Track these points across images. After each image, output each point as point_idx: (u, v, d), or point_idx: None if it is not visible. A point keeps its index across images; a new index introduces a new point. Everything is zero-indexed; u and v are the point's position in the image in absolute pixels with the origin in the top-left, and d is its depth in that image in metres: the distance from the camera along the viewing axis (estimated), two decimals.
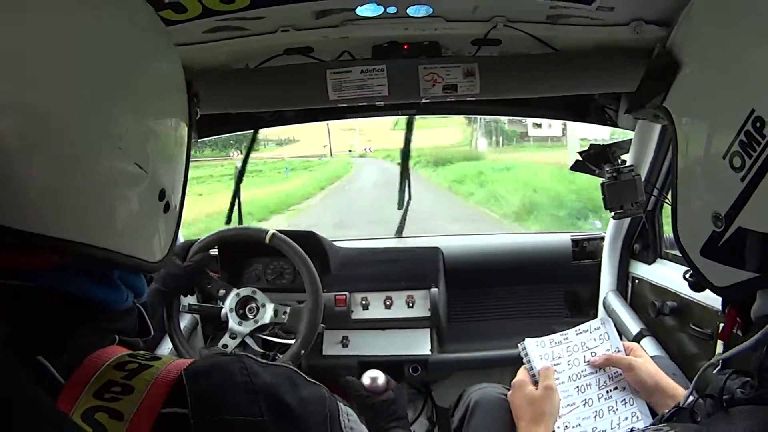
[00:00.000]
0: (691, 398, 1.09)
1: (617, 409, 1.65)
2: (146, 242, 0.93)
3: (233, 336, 2.28)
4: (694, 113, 1.00)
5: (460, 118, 17.94)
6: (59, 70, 0.75)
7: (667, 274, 2.39)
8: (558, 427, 1.62)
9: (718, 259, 0.93)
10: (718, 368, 1.02)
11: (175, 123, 1.02)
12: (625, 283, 2.73)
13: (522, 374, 1.74)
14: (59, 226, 0.76)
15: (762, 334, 0.86)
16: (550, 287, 3.13)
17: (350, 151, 25.16)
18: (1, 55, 0.70)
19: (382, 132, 20.95)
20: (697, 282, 1.04)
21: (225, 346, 2.27)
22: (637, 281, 2.65)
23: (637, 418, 1.63)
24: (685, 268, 1.09)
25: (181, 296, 2.38)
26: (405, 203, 3.42)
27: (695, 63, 1.03)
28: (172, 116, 1.02)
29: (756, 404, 0.85)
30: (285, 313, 2.33)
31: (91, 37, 0.81)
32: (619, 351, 1.75)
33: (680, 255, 1.06)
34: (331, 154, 25.00)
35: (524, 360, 1.77)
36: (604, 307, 2.73)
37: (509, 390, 1.75)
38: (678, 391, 1.59)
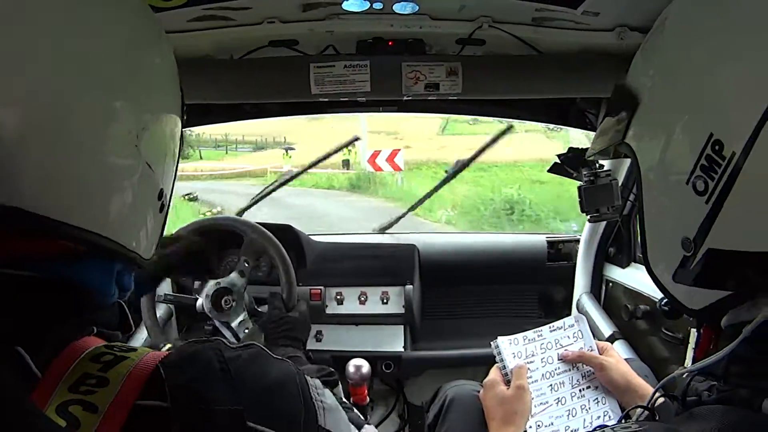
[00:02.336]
0: (660, 399, 1.10)
1: (590, 408, 1.67)
2: (144, 238, 0.95)
3: (212, 330, 2.27)
4: (655, 144, 1.01)
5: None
6: (86, 72, 0.78)
7: (640, 278, 2.41)
8: (530, 426, 1.63)
9: (691, 283, 0.94)
10: (684, 373, 1.03)
11: (174, 120, 1.03)
12: (599, 285, 2.76)
13: (494, 373, 1.74)
14: (79, 216, 0.78)
15: (734, 345, 0.87)
16: (524, 288, 3.15)
17: (346, 163, 16.79)
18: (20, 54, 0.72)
19: (425, 136, 19.61)
20: (672, 309, 1.05)
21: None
22: (610, 284, 2.68)
23: (609, 417, 1.65)
24: None
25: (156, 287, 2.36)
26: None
27: (655, 89, 1.05)
28: (173, 113, 1.03)
29: (722, 404, 0.87)
30: (246, 261, 2.34)
31: (104, 38, 0.83)
32: (592, 349, 1.77)
33: None
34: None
35: (497, 358, 1.77)
36: (578, 309, 2.75)
37: None
38: (649, 391, 1.60)
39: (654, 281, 1.05)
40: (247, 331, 2.23)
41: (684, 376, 1.01)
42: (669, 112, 0.97)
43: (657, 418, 1.02)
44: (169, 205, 1.05)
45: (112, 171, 0.82)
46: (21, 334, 0.76)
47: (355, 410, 1.34)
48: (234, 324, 2.23)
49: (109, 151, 0.81)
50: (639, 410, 1.42)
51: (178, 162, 1.08)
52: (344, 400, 1.44)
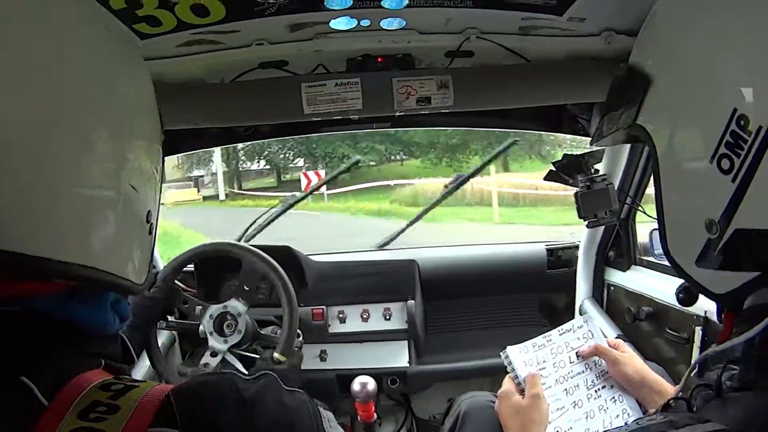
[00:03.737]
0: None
1: (607, 408, 1.65)
2: (134, 264, 0.94)
3: (214, 354, 2.26)
4: (672, 125, 0.99)
5: None
6: (66, 104, 0.78)
7: (642, 281, 2.42)
8: None
9: (715, 266, 0.91)
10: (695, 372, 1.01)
11: (155, 143, 1.04)
12: (600, 290, 2.75)
13: (507, 384, 1.71)
14: (64, 250, 0.77)
15: (761, 328, 0.85)
16: (525, 296, 3.15)
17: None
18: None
19: None
20: (687, 297, 1.03)
21: (206, 365, 2.25)
22: (612, 288, 2.67)
23: (628, 414, 1.63)
24: (663, 276, 1.08)
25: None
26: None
27: (665, 73, 1.03)
28: (152, 136, 1.03)
29: (745, 390, 0.85)
30: (245, 286, 2.34)
31: (82, 66, 0.83)
32: None
33: (655, 261, 1.06)
34: None
35: (508, 368, 1.75)
36: (581, 314, 2.73)
37: None
38: (664, 386, 1.59)
39: (674, 268, 1.03)
40: (251, 354, 2.23)
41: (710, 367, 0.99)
42: (685, 89, 0.95)
43: (695, 408, 0.99)
44: (156, 227, 1.05)
45: (94, 199, 0.82)
46: (24, 364, 0.75)
47: None
48: (236, 347, 2.23)
49: (89, 179, 0.81)
50: (658, 404, 1.42)
51: (161, 184, 1.08)
52: None
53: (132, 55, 1.04)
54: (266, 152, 27.68)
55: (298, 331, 2.29)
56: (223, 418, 0.80)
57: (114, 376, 0.86)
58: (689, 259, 0.96)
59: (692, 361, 1.65)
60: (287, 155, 28.27)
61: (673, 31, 1.02)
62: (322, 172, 20.94)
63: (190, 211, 21.27)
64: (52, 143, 0.76)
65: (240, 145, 23.98)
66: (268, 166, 29.96)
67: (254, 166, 30.01)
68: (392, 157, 26.90)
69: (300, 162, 27.83)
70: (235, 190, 26.85)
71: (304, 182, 19.03)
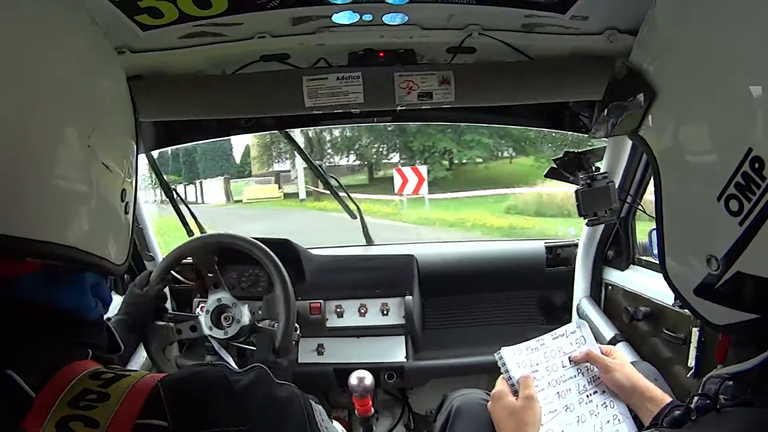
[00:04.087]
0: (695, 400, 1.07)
1: (598, 413, 1.65)
2: (113, 243, 0.95)
3: (211, 346, 2.25)
4: (678, 148, 0.96)
5: None
6: (40, 94, 0.79)
7: (640, 280, 2.41)
8: None
9: (714, 300, 0.89)
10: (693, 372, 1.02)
11: (129, 127, 1.05)
12: (598, 289, 2.75)
13: (501, 384, 1.71)
14: (40, 229, 0.77)
15: (760, 361, 0.84)
16: (524, 294, 3.15)
17: None
18: None
19: None
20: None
21: (203, 357, 2.25)
22: (610, 287, 2.67)
23: (619, 420, 1.63)
24: (661, 276, 1.07)
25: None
26: (358, 213, 3.38)
27: (669, 84, 0.99)
28: (127, 120, 1.05)
29: (742, 406, 0.85)
30: (260, 308, 2.32)
31: (46, 50, 0.82)
32: None
33: (653, 261, 1.05)
34: None
35: (502, 369, 1.75)
36: (578, 313, 2.75)
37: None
38: (655, 393, 1.59)
39: (672, 289, 1.02)
40: (247, 346, 2.22)
41: (708, 380, 0.98)
42: (695, 114, 0.91)
43: (694, 417, 0.98)
44: (134, 208, 1.06)
45: (67, 179, 0.82)
46: (8, 355, 0.76)
47: None
48: (234, 339, 2.23)
49: (61, 162, 0.81)
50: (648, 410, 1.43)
51: (136, 165, 1.09)
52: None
53: (104, 47, 1.04)
54: (357, 146, 24.72)
55: (295, 324, 2.29)
56: (211, 410, 0.81)
57: (104, 365, 0.86)
58: (688, 287, 0.95)
59: (688, 362, 1.65)
60: (380, 149, 25.06)
61: (673, 33, 1.00)
62: (422, 169, 16.94)
63: (258, 212, 19.76)
64: (28, 130, 0.77)
65: (327, 137, 23.34)
66: (358, 162, 25.66)
67: (343, 161, 25.58)
68: (500, 153, 23.31)
69: (395, 157, 24.09)
70: (320, 189, 21.22)
71: (398, 180, 16.22)
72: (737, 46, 0.83)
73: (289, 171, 26.07)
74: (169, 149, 2.84)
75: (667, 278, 1.03)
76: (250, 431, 0.81)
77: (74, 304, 0.88)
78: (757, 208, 0.77)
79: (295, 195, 23.62)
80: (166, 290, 2.38)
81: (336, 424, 1.03)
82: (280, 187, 25.42)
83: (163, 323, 2.24)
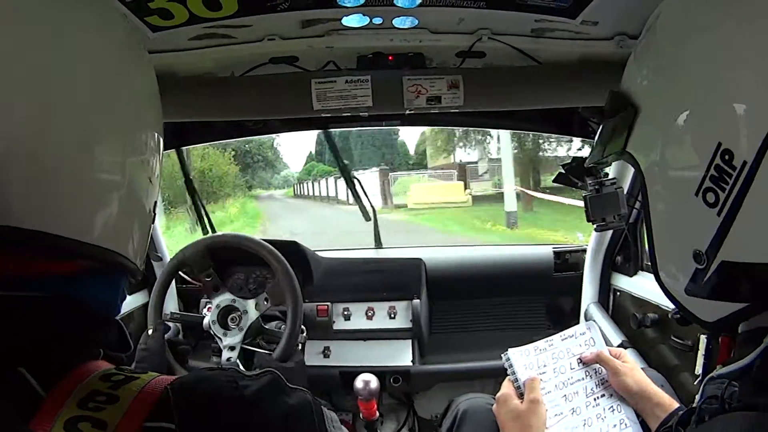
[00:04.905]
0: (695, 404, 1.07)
1: (605, 417, 1.64)
2: (136, 244, 0.95)
3: (217, 347, 2.26)
4: (658, 154, 0.99)
5: None
6: (67, 91, 0.78)
7: (648, 287, 2.40)
8: None
9: (703, 296, 0.91)
10: (700, 379, 1.02)
11: (152, 129, 1.04)
12: (606, 295, 2.74)
13: (506, 387, 1.70)
14: (92, 233, 0.80)
15: (759, 351, 0.86)
16: (531, 299, 3.14)
17: None
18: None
19: None
20: (683, 319, 1.03)
21: (210, 359, 2.25)
22: (618, 293, 2.66)
23: (626, 425, 1.62)
24: None
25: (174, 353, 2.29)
26: (373, 215, 3.39)
27: (654, 92, 1.03)
28: (149, 122, 1.03)
29: (746, 410, 0.85)
30: (266, 300, 2.31)
31: (59, 42, 0.81)
32: None
33: None
34: None
35: (508, 371, 1.74)
36: (586, 319, 2.74)
37: None
38: (664, 398, 1.59)
39: (665, 293, 1.03)
40: (255, 348, 2.23)
41: (712, 383, 0.99)
42: (670, 121, 0.94)
43: (706, 418, 0.98)
44: (153, 213, 1.06)
45: (123, 186, 0.84)
46: (22, 354, 0.75)
47: None
48: (240, 342, 2.23)
49: (97, 165, 0.82)
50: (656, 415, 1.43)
51: (160, 175, 1.09)
52: None
53: (139, 48, 1.04)
54: None
55: (302, 326, 2.29)
56: (220, 415, 0.80)
57: (115, 366, 0.86)
58: (679, 287, 0.97)
59: (696, 370, 1.64)
60: None
61: (666, 45, 1.02)
62: None
63: (439, 237, 14.10)
64: (63, 132, 0.77)
65: None
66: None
67: (561, 153, 17.39)
68: None
69: None
70: (531, 191, 15.74)
71: None
72: (730, 61, 0.85)
73: (476, 162, 19.20)
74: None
75: (659, 282, 1.05)
76: None
77: (104, 303, 0.90)
78: (731, 197, 0.81)
79: (487, 199, 16.90)
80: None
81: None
82: (467, 187, 18.78)
83: (170, 322, 2.24)
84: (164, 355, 2.08)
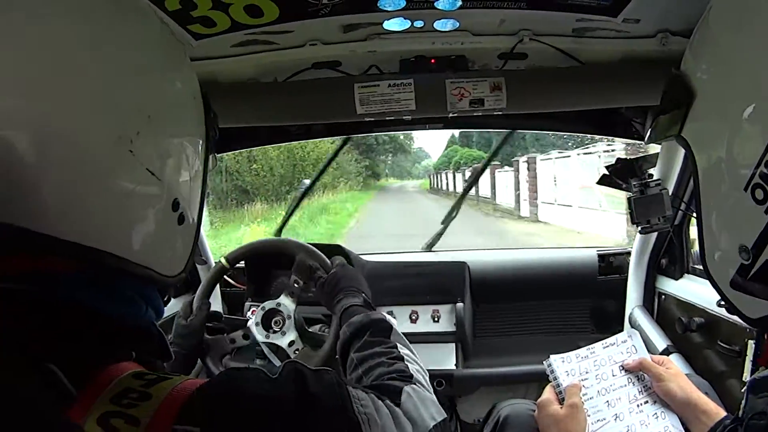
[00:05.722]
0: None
1: (649, 424, 1.62)
2: (159, 253, 0.94)
3: (261, 350, 2.27)
4: (711, 143, 0.98)
5: None
6: (64, 79, 0.77)
7: (694, 290, 2.36)
8: None
9: (748, 291, 0.90)
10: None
11: (190, 136, 1.04)
12: (651, 298, 2.70)
13: (548, 392, 1.71)
14: (70, 230, 0.78)
15: None
16: (575, 302, 3.11)
17: None
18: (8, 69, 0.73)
19: None
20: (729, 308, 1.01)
21: (254, 361, 2.27)
22: (663, 297, 2.62)
23: None
24: None
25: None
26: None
27: (712, 84, 1.01)
28: (187, 128, 1.04)
29: None
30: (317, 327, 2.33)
31: (97, 45, 0.83)
32: None
33: None
34: None
35: (550, 377, 1.74)
36: (630, 323, 2.71)
37: None
38: (710, 406, 1.56)
39: (713, 286, 1.02)
40: (297, 352, 2.23)
41: (753, 387, 0.97)
42: (723, 111, 0.94)
43: None
44: (198, 221, 1.07)
45: (100, 178, 0.81)
46: (51, 350, 0.77)
47: (402, 361, 1.32)
48: (284, 345, 2.24)
49: (96, 160, 0.81)
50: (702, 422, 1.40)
51: (205, 179, 1.10)
52: (400, 346, 1.43)
53: (179, 55, 1.06)
54: None
55: None
56: (245, 417, 0.82)
57: (147, 367, 0.88)
58: (725, 280, 0.96)
59: (743, 376, 1.61)
60: None
61: (724, 37, 1.01)
62: None
63: None
64: (98, 137, 0.80)
65: None
66: None
67: None
68: None
69: None
70: None
71: None
72: None
73: None
74: None
75: (707, 273, 1.04)
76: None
77: (115, 310, 0.88)
78: None
79: None
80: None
81: (378, 403, 1.02)
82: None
83: (217, 336, 2.26)
84: (202, 337, 2.12)
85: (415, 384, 1.20)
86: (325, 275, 1.94)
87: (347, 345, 1.48)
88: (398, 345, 1.39)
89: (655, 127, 1.23)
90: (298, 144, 20.59)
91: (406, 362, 1.30)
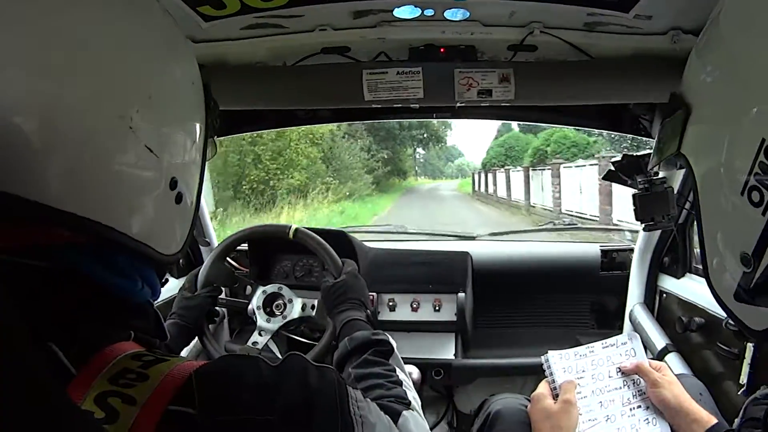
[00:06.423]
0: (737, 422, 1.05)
1: (639, 428, 1.63)
2: (157, 230, 0.95)
3: (261, 333, 2.28)
4: (708, 151, 0.97)
5: None
6: (67, 54, 0.78)
7: (695, 289, 2.36)
8: None
9: (752, 302, 0.89)
10: (743, 391, 1.00)
11: (189, 120, 1.05)
12: (652, 296, 2.71)
13: (543, 387, 1.73)
14: (71, 201, 0.78)
15: None
16: (577, 297, 3.12)
17: None
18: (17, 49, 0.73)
19: None
20: (740, 331, 1.00)
21: (255, 343, 2.27)
22: (665, 295, 2.63)
23: None
24: None
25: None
26: None
27: (710, 90, 1.01)
28: (187, 113, 1.04)
29: None
30: (313, 307, 2.32)
31: (100, 29, 0.83)
32: None
33: None
34: None
35: (546, 372, 1.75)
36: (631, 319, 2.71)
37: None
38: (701, 414, 1.56)
39: (715, 299, 1.01)
40: (296, 335, 2.24)
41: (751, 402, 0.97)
42: (718, 117, 0.94)
43: None
44: (197, 203, 1.08)
45: (100, 152, 0.82)
46: (52, 329, 0.78)
47: (401, 386, 1.32)
48: (284, 328, 2.25)
49: (96, 134, 0.81)
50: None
51: (203, 161, 1.11)
52: (398, 370, 1.42)
53: (180, 39, 1.06)
54: None
55: None
56: (240, 402, 0.82)
57: (146, 348, 0.88)
58: (729, 294, 0.94)
59: (740, 379, 1.61)
60: None
61: (733, 38, 0.99)
62: None
63: None
64: (98, 116, 0.80)
65: None
66: None
67: None
68: None
69: None
70: None
71: None
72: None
73: None
74: None
75: (710, 285, 1.03)
76: (271, 422, 0.83)
77: (113, 282, 0.89)
78: None
79: None
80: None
81: (372, 406, 1.02)
82: None
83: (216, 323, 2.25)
84: (203, 313, 2.12)
85: (413, 411, 1.21)
86: (333, 280, 1.93)
87: (345, 358, 1.50)
88: (397, 369, 1.39)
89: (655, 152, 1.23)
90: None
91: (404, 388, 1.30)
